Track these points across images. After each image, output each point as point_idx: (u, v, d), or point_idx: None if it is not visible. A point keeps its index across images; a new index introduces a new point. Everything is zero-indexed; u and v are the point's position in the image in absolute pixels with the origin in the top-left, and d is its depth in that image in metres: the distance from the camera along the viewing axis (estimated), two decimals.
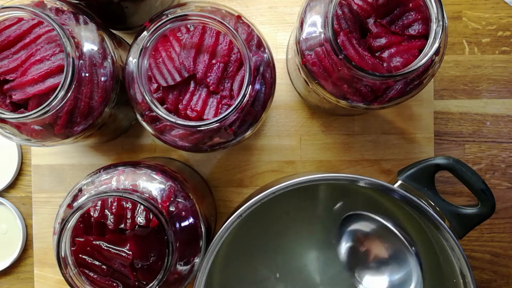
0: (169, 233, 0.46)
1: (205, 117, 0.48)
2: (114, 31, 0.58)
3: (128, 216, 0.48)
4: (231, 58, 0.49)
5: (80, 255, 0.48)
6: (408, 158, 0.66)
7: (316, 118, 0.67)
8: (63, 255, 0.47)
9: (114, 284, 0.48)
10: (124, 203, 0.48)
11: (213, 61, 0.49)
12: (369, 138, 0.67)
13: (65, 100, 0.46)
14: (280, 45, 0.67)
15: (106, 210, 0.48)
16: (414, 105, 0.66)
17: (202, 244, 0.51)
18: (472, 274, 0.50)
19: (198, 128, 0.47)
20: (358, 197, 0.61)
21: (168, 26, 0.47)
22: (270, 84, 0.51)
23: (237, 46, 0.48)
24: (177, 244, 0.48)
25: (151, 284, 0.46)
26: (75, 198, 0.50)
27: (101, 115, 0.51)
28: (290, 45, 0.64)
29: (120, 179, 0.50)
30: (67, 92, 0.45)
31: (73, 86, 0.46)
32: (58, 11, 0.49)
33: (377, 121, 0.66)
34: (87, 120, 0.50)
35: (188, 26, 0.49)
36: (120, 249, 0.47)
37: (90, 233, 0.48)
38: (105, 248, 0.48)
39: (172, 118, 0.46)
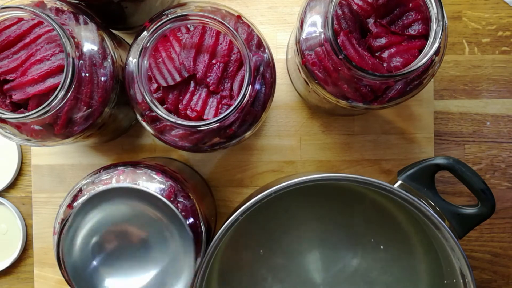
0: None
1: (205, 117, 0.48)
2: (114, 31, 0.58)
3: None
4: (231, 58, 0.49)
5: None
6: (408, 158, 0.66)
7: (316, 118, 0.67)
8: (64, 250, 0.46)
9: None
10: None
11: (213, 61, 0.49)
12: (369, 138, 0.67)
13: (65, 100, 0.46)
14: (280, 45, 0.67)
15: None
16: (414, 105, 0.66)
17: (202, 244, 0.51)
18: (472, 274, 0.50)
19: (198, 128, 0.47)
20: (358, 197, 0.61)
21: (168, 26, 0.47)
22: (270, 84, 0.51)
23: (237, 46, 0.48)
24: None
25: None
26: (75, 198, 0.50)
27: (101, 115, 0.51)
28: (290, 45, 0.64)
29: (120, 179, 0.50)
30: (67, 92, 0.45)
31: (73, 86, 0.46)
32: (58, 11, 0.49)
33: (377, 121, 0.66)
34: (87, 120, 0.50)
35: (188, 26, 0.49)
36: None
37: None
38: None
39: (172, 118, 0.46)
